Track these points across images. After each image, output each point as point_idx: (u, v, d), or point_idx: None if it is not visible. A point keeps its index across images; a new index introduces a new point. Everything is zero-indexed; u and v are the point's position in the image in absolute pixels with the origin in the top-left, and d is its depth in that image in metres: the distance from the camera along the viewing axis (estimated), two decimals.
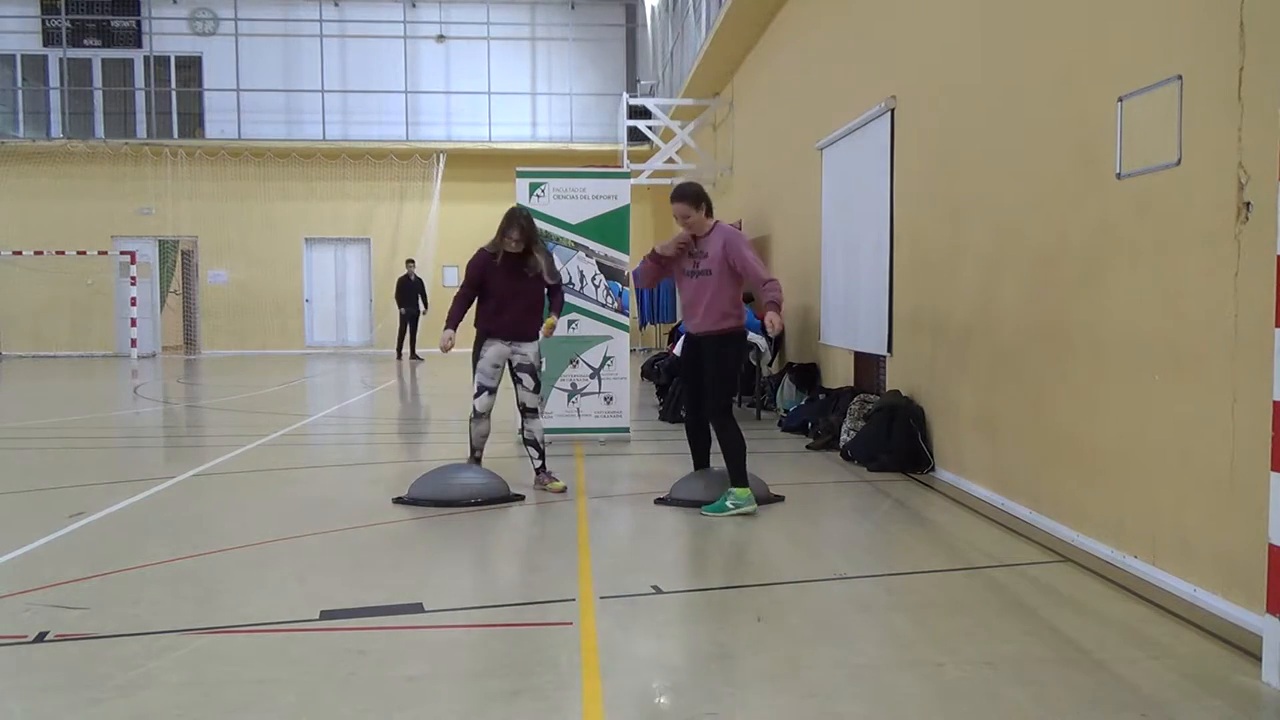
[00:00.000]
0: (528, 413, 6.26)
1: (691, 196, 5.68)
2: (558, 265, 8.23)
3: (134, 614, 3.82)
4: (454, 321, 6.15)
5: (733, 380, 5.86)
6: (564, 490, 6.15)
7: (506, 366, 6.24)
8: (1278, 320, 2.94)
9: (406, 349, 19.10)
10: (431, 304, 19.32)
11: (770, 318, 5.56)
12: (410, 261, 19.43)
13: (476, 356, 6.20)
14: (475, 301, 6.24)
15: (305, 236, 22.20)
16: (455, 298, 6.22)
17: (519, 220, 6.09)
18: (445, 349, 6.10)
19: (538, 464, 6.29)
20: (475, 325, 6.27)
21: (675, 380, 10.04)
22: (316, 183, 22.05)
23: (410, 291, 19.05)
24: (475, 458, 6.32)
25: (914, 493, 6.22)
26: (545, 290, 6.30)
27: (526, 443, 6.32)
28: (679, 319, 9.80)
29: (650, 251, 5.91)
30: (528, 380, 6.21)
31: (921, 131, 7.04)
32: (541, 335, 6.28)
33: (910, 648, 3.46)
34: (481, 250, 6.21)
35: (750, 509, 5.50)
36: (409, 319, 19.10)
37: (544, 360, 6.36)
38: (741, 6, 11.73)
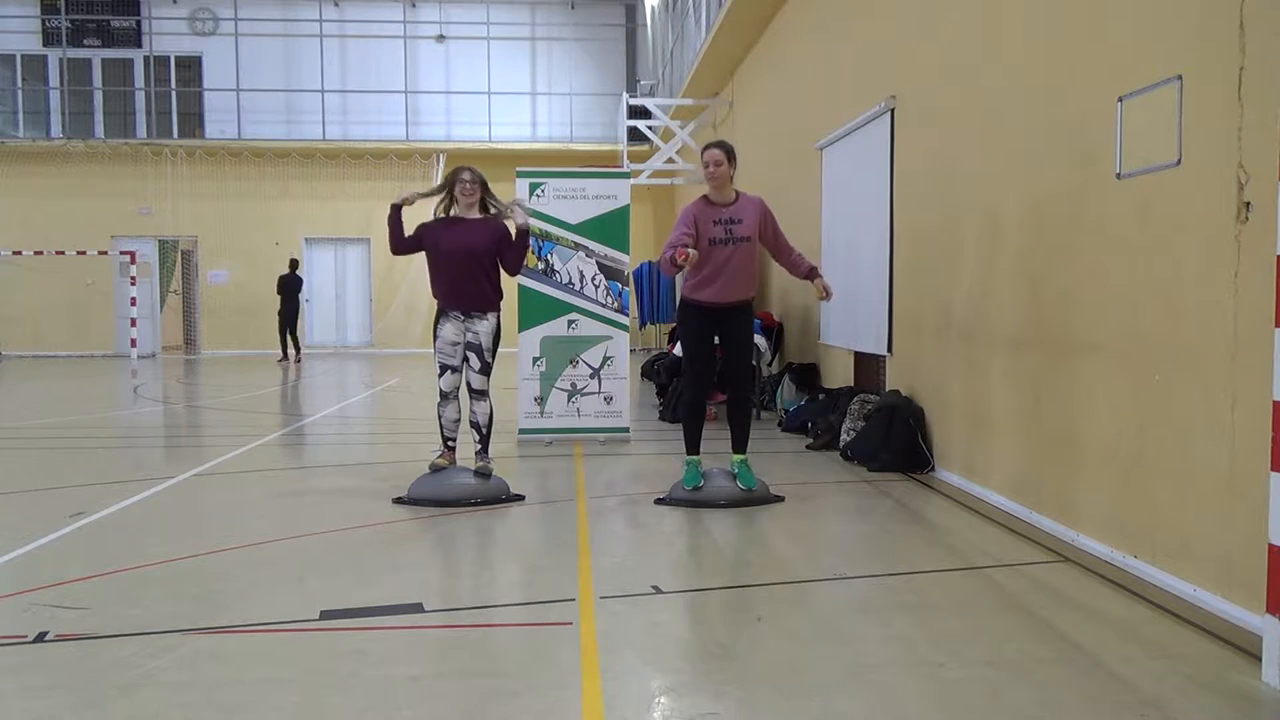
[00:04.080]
0: (474, 394, 6.03)
1: (729, 151, 5.78)
2: (557, 266, 8.27)
3: (134, 614, 3.82)
4: (397, 212, 6.00)
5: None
6: (489, 474, 5.95)
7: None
8: (1278, 320, 2.94)
9: (292, 349, 18.91)
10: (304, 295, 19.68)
11: (820, 283, 5.88)
12: (294, 262, 19.23)
13: (435, 335, 6.04)
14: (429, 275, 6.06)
15: (305, 236, 22.21)
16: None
17: (470, 169, 5.99)
18: (405, 199, 5.97)
19: (477, 448, 6.09)
20: (434, 295, 6.10)
21: (675, 380, 10.04)
22: (316, 183, 22.06)
23: (292, 291, 18.88)
24: (448, 446, 6.10)
25: (914, 493, 6.22)
26: (498, 251, 5.98)
27: (471, 424, 6.08)
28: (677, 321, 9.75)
29: (679, 243, 5.57)
30: (474, 360, 5.97)
31: (921, 131, 7.04)
32: (518, 219, 5.92)
33: (910, 648, 3.46)
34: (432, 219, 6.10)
35: None
36: (289, 321, 18.84)
37: (500, 342, 6.08)
38: (741, 6, 11.73)
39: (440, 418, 6.09)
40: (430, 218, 6.16)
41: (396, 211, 6.03)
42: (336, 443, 9.23)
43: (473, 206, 6.01)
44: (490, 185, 6.12)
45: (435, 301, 6.16)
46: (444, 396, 6.04)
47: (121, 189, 21.58)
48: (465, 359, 6.03)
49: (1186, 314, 3.94)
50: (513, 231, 6.01)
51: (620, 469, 7.25)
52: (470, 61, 22.98)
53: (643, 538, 5.23)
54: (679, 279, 6.24)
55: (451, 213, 6.07)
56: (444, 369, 6.01)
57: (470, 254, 5.91)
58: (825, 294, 5.89)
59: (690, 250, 5.45)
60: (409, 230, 6.09)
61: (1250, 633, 3.43)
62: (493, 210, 6.07)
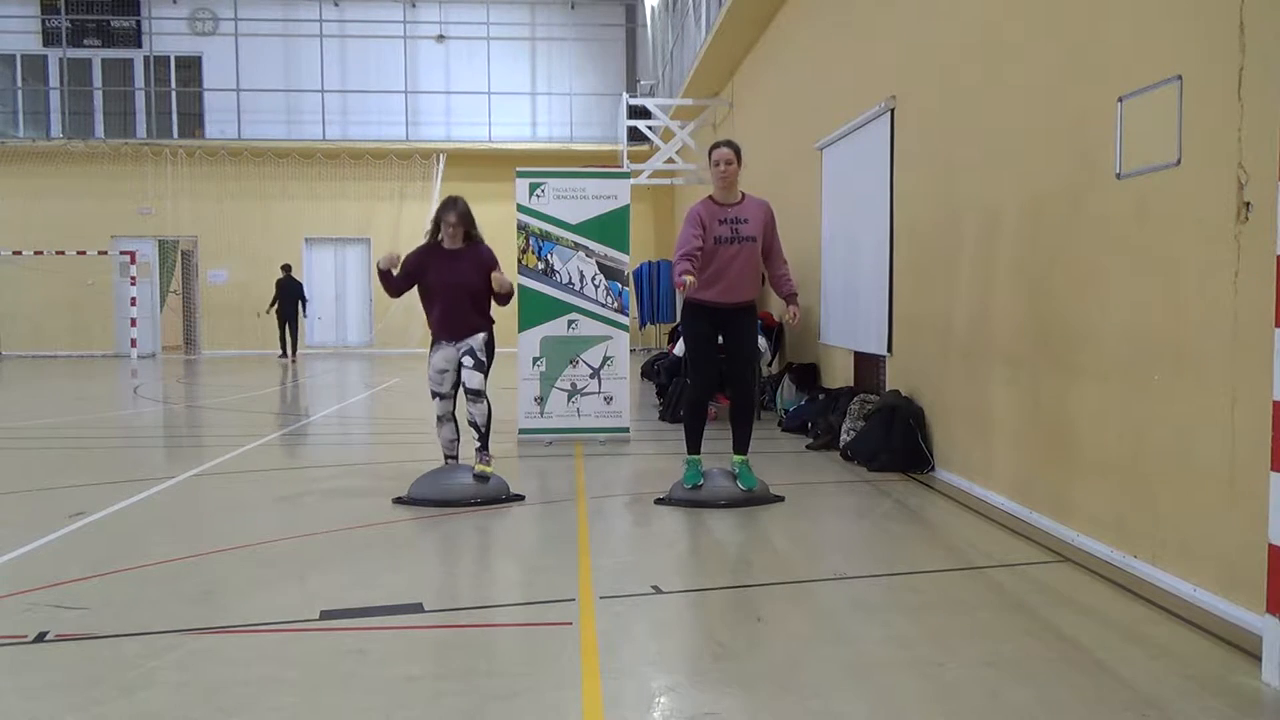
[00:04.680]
0: (470, 394, 6.00)
1: (738, 150, 5.79)
2: (557, 266, 8.26)
3: (134, 614, 3.82)
4: (386, 274, 5.98)
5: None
6: (487, 479, 5.94)
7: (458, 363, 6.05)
8: (1278, 320, 2.94)
9: (288, 349, 19.42)
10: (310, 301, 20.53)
11: (793, 310, 5.95)
12: (286, 267, 19.53)
13: (429, 362, 6.11)
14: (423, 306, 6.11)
15: (305, 236, 22.22)
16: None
17: (456, 205, 5.96)
18: (385, 262, 5.94)
19: (477, 444, 6.08)
20: (428, 325, 6.17)
21: (675, 380, 10.04)
22: (316, 183, 22.07)
23: (289, 293, 19.29)
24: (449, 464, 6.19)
25: (914, 493, 6.22)
26: (485, 280, 5.99)
27: (469, 424, 6.08)
28: (677, 320, 9.81)
29: (689, 249, 5.60)
30: (467, 359, 5.98)
31: (921, 131, 7.04)
32: (503, 288, 5.93)
33: (910, 648, 3.46)
34: (419, 247, 6.12)
35: None
36: (288, 319, 19.31)
37: (494, 350, 6.14)
38: (741, 7, 11.73)
39: (439, 437, 6.17)
40: (423, 235, 6.19)
41: (383, 273, 6.02)
42: (336, 443, 9.23)
43: (457, 239, 6.04)
44: (474, 217, 6.12)
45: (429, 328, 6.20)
46: (438, 420, 6.13)
47: (121, 189, 21.59)
48: (460, 362, 6.04)
49: (1186, 314, 3.94)
50: (496, 280, 5.97)
51: (620, 469, 7.25)
52: (470, 61, 22.98)
53: (643, 538, 5.23)
54: None
55: (440, 241, 6.06)
56: (434, 395, 6.09)
57: (457, 288, 5.98)
58: (793, 319, 5.96)
59: (688, 279, 5.44)
60: (408, 242, 6.14)
61: (1250, 633, 3.43)
62: (476, 237, 6.07)
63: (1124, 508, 4.38)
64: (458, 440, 6.19)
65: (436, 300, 6.04)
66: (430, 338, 6.16)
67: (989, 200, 5.87)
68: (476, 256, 6.04)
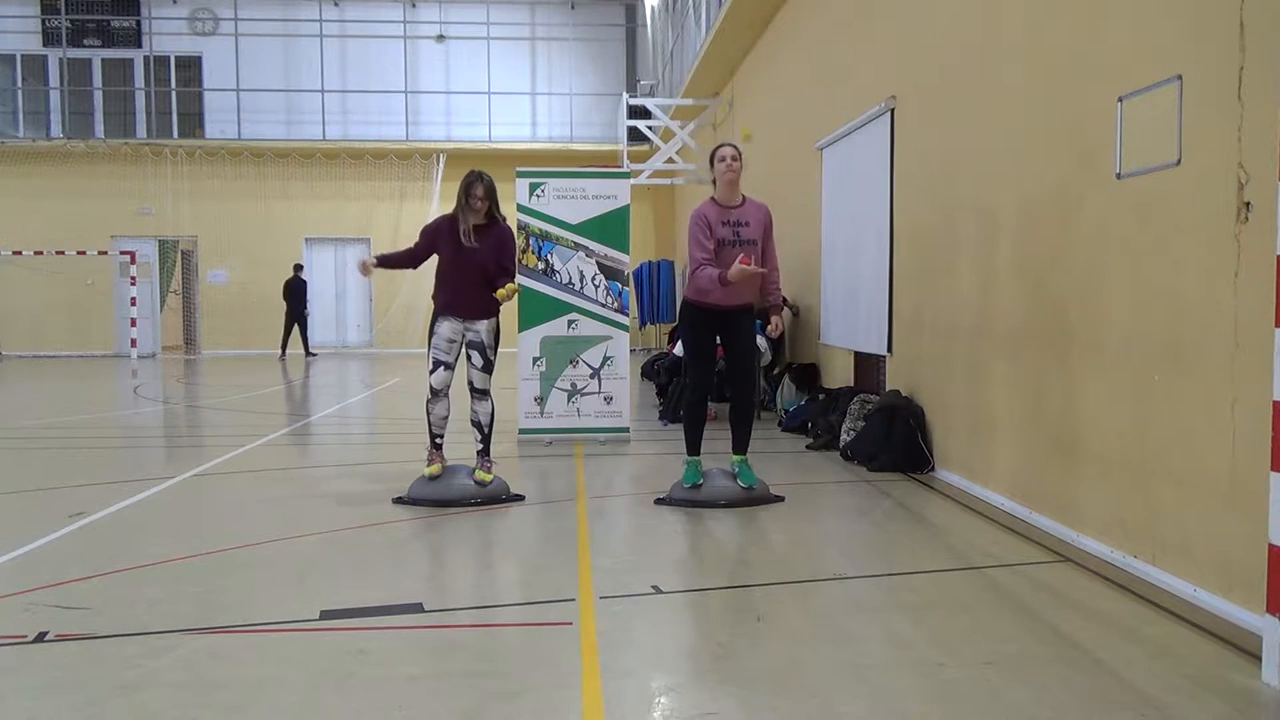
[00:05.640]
0: (475, 394, 6.02)
1: (740, 154, 5.87)
2: (557, 266, 8.27)
3: (134, 614, 3.82)
4: (384, 259, 6.17)
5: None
6: (488, 484, 5.92)
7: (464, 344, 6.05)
8: (1278, 320, 2.94)
9: (292, 347, 20.20)
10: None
11: (776, 321, 6.00)
12: (298, 266, 20.31)
13: (431, 334, 6.03)
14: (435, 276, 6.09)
15: (305, 236, 22.22)
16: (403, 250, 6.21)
17: (483, 180, 5.88)
18: (362, 266, 6.11)
19: (479, 447, 6.07)
20: (433, 299, 6.13)
21: (675, 380, 10.03)
22: (316, 183, 22.08)
23: (297, 292, 20.04)
24: (436, 444, 6.06)
25: (914, 493, 6.22)
26: (500, 259, 5.95)
27: (472, 424, 6.07)
28: (676, 322, 9.83)
29: (702, 258, 5.62)
30: (476, 358, 5.98)
31: (921, 131, 7.04)
32: (501, 301, 5.92)
33: (910, 648, 3.46)
34: (441, 216, 6.11)
35: None
36: (296, 318, 20.06)
37: (500, 340, 6.10)
38: (741, 7, 11.73)
39: (429, 415, 6.06)
40: (435, 215, 6.18)
41: (381, 263, 6.19)
42: (337, 443, 9.23)
43: (480, 213, 5.99)
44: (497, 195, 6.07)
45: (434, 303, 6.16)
46: (434, 394, 6.01)
47: (121, 189, 21.59)
48: (468, 357, 6.04)
49: (1186, 314, 3.94)
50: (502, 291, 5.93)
51: (620, 469, 7.25)
52: (470, 61, 22.98)
53: (643, 538, 5.23)
54: (682, 279, 6.24)
55: (467, 220, 5.96)
56: (437, 364, 5.96)
57: (475, 266, 5.94)
58: (774, 330, 6.02)
59: (751, 262, 5.44)
60: (408, 241, 6.14)
61: (1250, 633, 3.43)
62: (498, 217, 6.04)
63: (1124, 508, 4.39)
64: (448, 418, 6.10)
65: (450, 276, 6.00)
66: (434, 309, 6.08)
67: (989, 200, 5.87)
68: (497, 237, 5.99)
